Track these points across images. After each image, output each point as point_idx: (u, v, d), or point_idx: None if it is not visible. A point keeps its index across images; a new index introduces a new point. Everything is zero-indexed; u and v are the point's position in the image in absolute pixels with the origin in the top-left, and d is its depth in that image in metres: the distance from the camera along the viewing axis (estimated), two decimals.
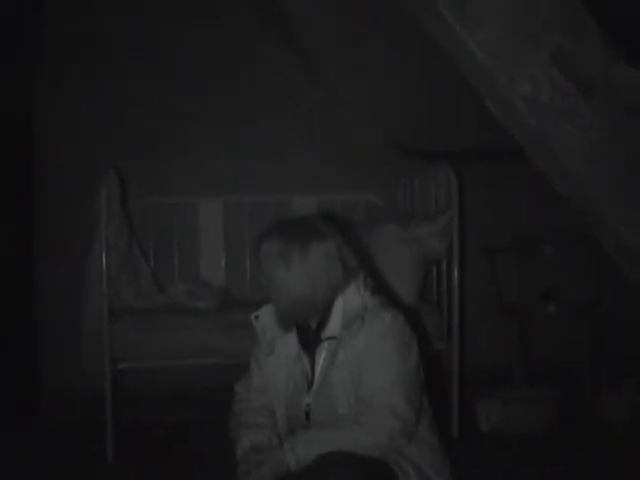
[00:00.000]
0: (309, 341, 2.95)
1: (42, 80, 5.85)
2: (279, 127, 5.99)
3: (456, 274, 4.96)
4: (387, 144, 5.95)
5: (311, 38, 5.42)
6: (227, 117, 5.93)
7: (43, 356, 5.88)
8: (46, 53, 5.83)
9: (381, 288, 3.05)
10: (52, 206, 5.82)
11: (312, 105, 5.99)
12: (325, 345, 2.89)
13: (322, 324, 2.91)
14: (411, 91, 5.28)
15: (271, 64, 5.95)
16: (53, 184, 5.81)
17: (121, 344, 4.77)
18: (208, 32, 5.88)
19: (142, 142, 5.80)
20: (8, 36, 6.80)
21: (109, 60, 5.81)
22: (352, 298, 2.89)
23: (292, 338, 2.99)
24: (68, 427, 5.24)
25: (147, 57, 5.84)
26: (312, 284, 2.85)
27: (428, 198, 5.34)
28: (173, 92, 5.84)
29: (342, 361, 2.82)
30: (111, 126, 5.80)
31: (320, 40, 5.35)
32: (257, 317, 3.06)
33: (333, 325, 2.89)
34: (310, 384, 2.91)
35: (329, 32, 5.19)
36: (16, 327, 7.20)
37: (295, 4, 5.10)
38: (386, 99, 5.57)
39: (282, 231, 2.92)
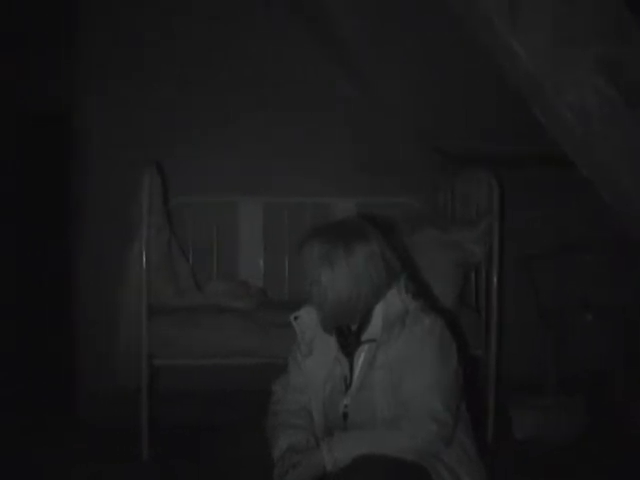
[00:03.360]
0: (348, 343, 2.95)
1: (82, 80, 5.88)
2: (317, 129, 5.98)
3: (495, 280, 4.95)
4: (427, 147, 5.93)
5: (348, 38, 5.42)
6: (266, 117, 5.93)
7: (79, 356, 5.90)
8: (86, 53, 5.85)
9: (421, 292, 3.05)
10: (91, 205, 5.85)
11: (350, 107, 5.99)
12: (365, 347, 2.89)
13: (362, 327, 2.91)
14: (450, 94, 5.26)
15: (308, 65, 5.94)
16: (92, 183, 5.84)
17: (158, 342, 4.79)
18: (243, 33, 5.89)
19: (182, 141, 5.81)
20: (47, 36, 6.87)
21: (147, 60, 5.84)
22: (393, 301, 2.89)
23: (331, 340, 2.99)
24: (103, 426, 5.27)
25: (184, 57, 5.87)
26: (356, 285, 2.85)
27: (468, 203, 5.33)
28: (213, 91, 5.86)
29: (381, 364, 2.82)
30: (151, 125, 5.82)
31: (357, 40, 5.35)
32: (297, 318, 3.06)
33: (373, 328, 2.88)
34: (348, 386, 2.91)
35: (366, 32, 5.19)
36: (52, 327, 7.27)
37: (330, 3, 5.11)
38: (425, 101, 5.55)
39: (327, 232, 2.92)
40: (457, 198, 5.53)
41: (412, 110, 5.70)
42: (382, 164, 5.96)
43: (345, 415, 2.89)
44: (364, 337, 2.90)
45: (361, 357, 2.89)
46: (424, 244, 5.11)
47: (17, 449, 4.94)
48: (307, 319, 3.04)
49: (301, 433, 2.95)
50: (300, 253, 2.94)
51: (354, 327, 2.94)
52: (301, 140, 5.94)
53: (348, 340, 2.95)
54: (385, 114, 5.96)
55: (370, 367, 2.84)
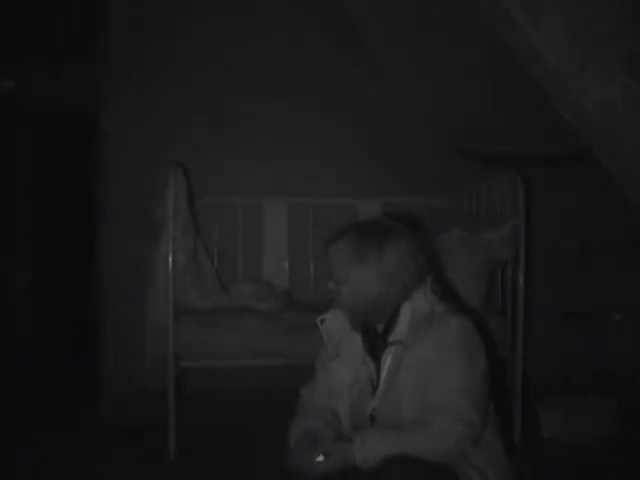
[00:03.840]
0: (375, 345, 2.94)
1: (109, 80, 5.91)
2: (342, 129, 6.00)
3: (521, 280, 4.93)
4: (452, 148, 5.92)
5: (373, 39, 5.41)
6: (291, 119, 5.94)
7: (105, 356, 5.93)
8: (113, 53, 5.88)
9: (448, 293, 3.04)
10: (116, 206, 5.87)
11: (375, 108, 5.99)
12: (391, 349, 2.88)
13: (389, 328, 2.91)
14: (475, 94, 5.25)
15: (334, 66, 5.96)
16: (118, 184, 5.86)
17: (184, 343, 4.80)
18: (270, 33, 5.92)
19: (207, 143, 5.83)
20: (75, 36, 6.89)
21: (174, 59, 5.86)
22: (420, 302, 2.88)
23: (357, 342, 2.98)
24: (129, 426, 5.29)
25: (211, 56, 5.89)
26: (386, 284, 2.85)
27: (494, 203, 5.31)
28: (238, 92, 5.87)
29: (408, 365, 2.81)
30: (177, 127, 5.84)
31: (382, 41, 5.35)
32: (323, 321, 3.06)
33: (400, 329, 2.88)
34: (375, 388, 2.90)
35: (392, 33, 5.18)
36: (79, 327, 7.30)
37: (358, 4, 5.10)
38: (449, 101, 5.55)
39: (357, 230, 2.93)
40: (483, 198, 5.50)
41: (437, 111, 5.70)
42: (408, 164, 5.97)
43: (372, 417, 2.88)
44: (391, 338, 2.89)
45: (388, 359, 2.88)
46: (449, 245, 5.09)
47: (43, 449, 4.96)
48: (333, 322, 3.04)
49: (324, 424, 2.96)
50: (328, 251, 2.95)
51: (380, 328, 2.94)
52: (326, 141, 5.96)
53: (375, 342, 2.94)
54: (411, 115, 5.96)
55: (397, 369, 2.83)
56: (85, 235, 6.86)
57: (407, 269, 2.88)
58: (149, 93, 5.82)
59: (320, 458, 2.72)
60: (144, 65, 5.85)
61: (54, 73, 8.35)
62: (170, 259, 4.78)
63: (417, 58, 5.25)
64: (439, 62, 5.10)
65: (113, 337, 5.84)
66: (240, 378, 5.39)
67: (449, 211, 5.88)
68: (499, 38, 3.58)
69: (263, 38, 5.92)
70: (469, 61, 4.84)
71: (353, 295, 2.88)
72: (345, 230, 2.96)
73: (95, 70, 6.06)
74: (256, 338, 4.79)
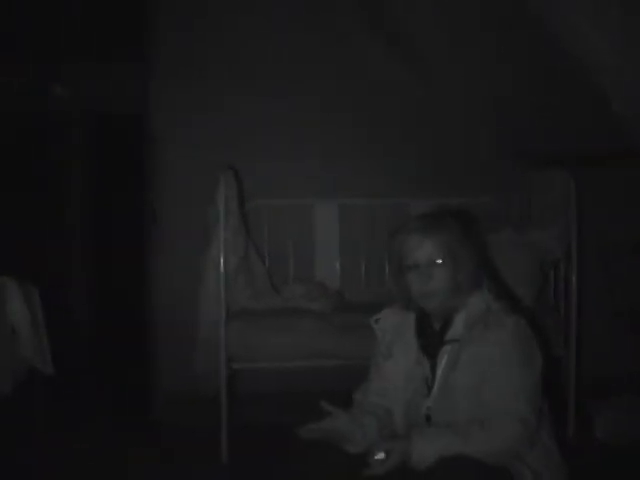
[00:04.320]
0: (430, 344, 2.94)
1: (158, 82, 5.95)
2: (392, 129, 5.99)
3: (574, 280, 4.91)
4: (502, 147, 5.90)
5: (421, 38, 5.41)
6: (340, 119, 5.94)
7: (158, 358, 5.96)
8: (164, 55, 5.92)
9: (502, 292, 3.04)
10: (168, 208, 5.91)
11: (425, 107, 5.98)
12: (447, 348, 2.87)
13: (445, 327, 2.91)
14: (525, 92, 5.22)
15: (382, 65, 5.95)
16: (169, 186, 5.90)
17: (236, 345, 4.82)
18: (315, 34, 5.92)
19: (258, 144, 5.85)
20: (124, 39, 6.94)
21: (224, 62, 5.89)
22: (476, 301, 2.89)
23: (412, 341, 2.98)
24: (182, 428, 5.31)
25: (262, 58, 5.91)
26: (459, 275, 2.89)
27: (545, 202, 5.28)
28: (288, 94, 5.88)
29: (464, 365, 2.80)
30: (227, 128, 5.86)
31: (431, 40, 5.34)
32: (377, 320, 3.07)
33: (456, 328, 2.88)
34: (430, 388, 2.89)
35: (440, 31, 5.17)
36: (131, 331, 7.35)
37: (406, 4, 5.10)
38: (499, 101, 5.53)
39: (436, 221, 2.96)
40: (533, 198, 5.48)
41: (488, 110, 5.68)
42: (457, 164, 5.94)
43: (428, 417, 2.88)
44: (447, 337, 2.89)
45: (444, 358, 2.87)
46: (501, 244, 5.07)
47: (96, 451, 5.00)
48: (387, 321, 3.05)
49: (378, 423, 2.95)
50: (408, 239, 2.94)
51: (437, 327, 2.94)
52: (376, 141, 5.95)
53: (430, 341, 2.94)
54: (461, 114, 5.94)
55: (453, 368, 2.83)
56: (136, 238, 6.90)
57: (475, 264, 2.93)
58: (199, 95, 5.85)
59: (381, 456, 2.71)
60: (194, 66, 5.87)
61: (104, 76, 8.43)
62: (221, 261, 4.81)
63: (469, 57, 5.24)
64: (491, 61, 5.08)
65: (165, 339, 5.86)
66: (292, 379, 5.39)
67: (500, 211, 5.84)
68: (555, 37, 3.56)
69: (308, 37, 5.93)
70: (522, 60, 4.82)
71: (448, 278, 2.89)
72: (426, 220, 3.00)
73: (145, 72, 6.11)
74: (308, 339, 4.80)
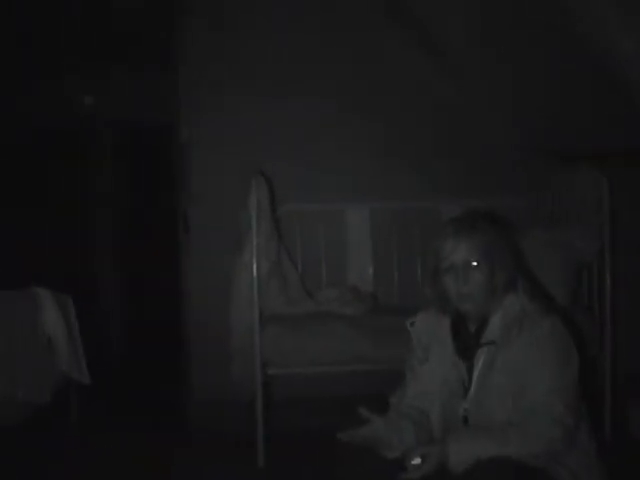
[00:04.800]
0: (466, 347, 2.94)
1: (188, 90, 5.97)
2: (421, 132, 5.99)
3: (608, 279, 4.89)
4: (532, 147, 5.88)
5: (448, 38, 5.41)
6: (369, 123, 5.94)
7: (193, 364, 5.98)
8: (191, 66, 5.94)
9: (537, 293, 3.04)
10: (199, 215, 5.93)
11: (453, 107, 5.97)
12: (484, 350, 2.87)
13: (481, 329, 2.91)
14: (555, 92, 5.21)
15: (409, 67, 5.95)
16: (200, 193, 5.92)
17: (270, 350, 4.83)
18: (341, 38, 5.93)
19: (289, 150, 5.85)
20: (153, 50, 6.98)
21: (251, 70, 5.90)
22: (511, 303, 2.88)
23: (448, 344, 2.98)
24: (218, 434, 5.32)
25: (290, 67, 5.92)
26: (495, 277, 2.89)
27: (577, 202, 5.25)
28: (318, 101, 5.89)
29: (501, 366, 2.80)
30: (256, 133, 5.87)
31: (462, 41, 5.34)
32: (413, 324, 3.08)
33: (492, 330, 2.87)
34: (467, 390, 2.89)
35: (468, 31, 5.17)
36: (164, 337, 7.38)
37: (429, 3, 5.10)
38: (529, 99, 5.52)
39: (475, 222, 2.96)
40: (565, 197, 5.45)
41: (517, 109, 5.67)
42: (488, 165, 5.92)
43: (465, 419, 2.87)
44: (483, 339, 2.89)
45: (480, 360, 2.87)
46: (532, 245, 5.05)
47: (132, 458, 5.03)
48: (423, 325, 3.05)
49: (414, 426, 2.94)
50: (443, 242, 2.94)
51: (472, 329, 2.94)
52: (406, 144, 5.95)
53: (466, 343, 2.94)
54: (490, 114, 5.93)
55: (489, 370, 2.82)
56: (169, 245, 6.93)
57: (511, 265, 2.93)
58: (229, 101, 5.86)
59: (417, 461, 2.71)
60: (223, 73, 5.88)
61: (133, 85, 8.47)
62: (254, 266, 4.82)
63: (496, 57, 5.23)
64: (518, 60, 5.07)
65: (200, 345, 5.88)
66: (327, 384, 5.39)
67: (531, 211, 5.83)
68: (585, 36, 3.55)
69: (338, 43, 5.93)
70: (550, 59, 4.81)
71: (484, 280, 2.89)
72: (465, 222, 3.00)
73: (174, 80, 6.13)
74: (342, 343, 4.80)
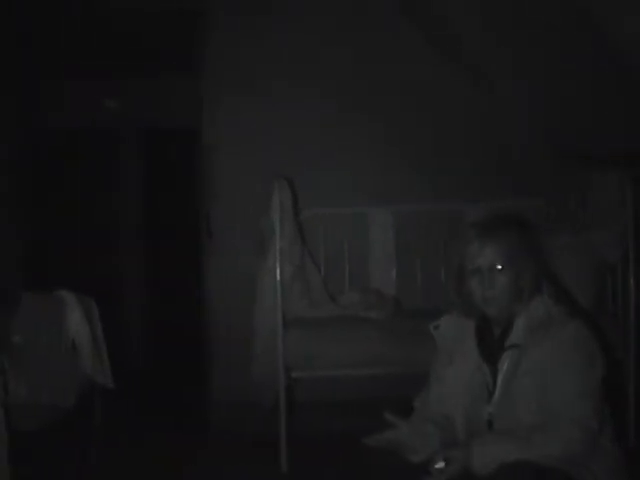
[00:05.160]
0: (490, 350, 2.93)
1: (210, 95, 5.99)
2: (443, 134, 5.99)
3: (632, 282, 4.86)
4: (556, 148, 5.86)
5: (476, 42, 5.40)
6: (391, 126, 5.95)
7: (215, 367, 6.00)
8: (215, 70, 5.97)
9: (562, 297, 3.02)
10: (222, 219, 5.95)
11: (475, 109, 5.96)
12: (508, 353, 2.85)
13: (505, 332, 2.89)
14: (578, 94, 5.19)
15: (433, 72, 5.95)
16: (223, 197, 5.94)
17: (294, 354, 4.83)
18: (361, 41, 5.94)
19: (310, 153, 5.87)
20: (177, 54, 7.00)
21: (273, 75, 5.92)
22: (536, 306, 2.87)
23: (472, 348, 2.96)
24: (240, 437, 5.33)
25: (313, 70, 5.93)
26: (520, 280, 2.88)
27: (600, 204, 5.24)
28: (340, 104, 5.90)
29: (525, 370, 2.78)
30: (279, 137, 5.89)
31: (484, 42, 5.33)
32: (437, 327, 3.07)
33: (516, 334, 2.86)
34: (491, 394, 2.88)
35: (489, 32, 5.16)
36: (188, 341, 7.40)
37: (454, 5, 5.09)
38: (552, 101, 5.50)
39: (498, 228, 2.95)
40: (589, 200, 5.43)
41: (540, 111, 5.65)
42: (511, 167, 5.91)
43: (489, 423, 2.86)
44: (508, 343, 2.87)
45: (505, 364, 2.85)
46: (556, 248, 5.04)
47: (155, 461, 5.04)
48: (447, 328, 3.04)
49: (438, 430, 2.94)
50: (468, 246, 2.94)
51: (497, 333, 2.93)
52: (428, 147, 5.94)
53: (491, 347, 2.93)
54: (513, 115, 5.92)
55: (514, 374, 2.81)
56: (191, 248, 6.95)
57: (538, 269, 2.93)
58: (251, 106, 5.88)
59: (441, 464, 2.70)
60: (245, 78, 5.91)
61: (156, 90, 8.50)
62: (277, 270, 4.82)
63: (519, 58, 5.22)
64: (544, 61, 5.06)
65: (223, 348, 5.90)
66: (350, 387, 5.40)
67: (554, 213, 5.80)
68: (610, 36, 3.54)
69: (360, 43, 5.95)
70: (574, 60, 4.79)
71: (509, 283, 2.88)
72: (492, 223, 2.99)
73: (196, 86, 6.15)
74: (366, 347, 4.80)
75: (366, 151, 5.94)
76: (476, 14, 5.02)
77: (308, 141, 5.90)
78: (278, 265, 4.81)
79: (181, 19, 6.48)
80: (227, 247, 5.88)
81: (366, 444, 2.86)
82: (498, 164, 5.94)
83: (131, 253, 9.21)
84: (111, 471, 4.84)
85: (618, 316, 5.03)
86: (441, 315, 3.11)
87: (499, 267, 2.87)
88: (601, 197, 5.20)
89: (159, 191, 9.18)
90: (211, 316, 6.07)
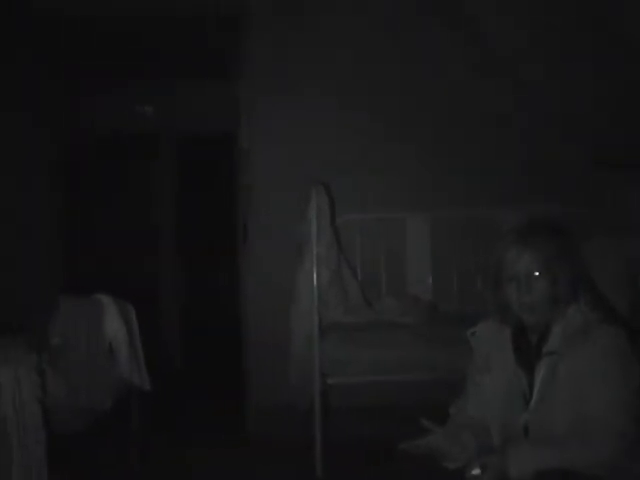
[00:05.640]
0: (527, 357, 2.91)
1: (248, 100, 6.02)
2: (481, 142, 5.97)
3: None
4: (596, 154, 5.83)
5: (514, 50, 5.39)
6: (429, 133, 5.95)
7: (251, 373, 6.01)
8: (250, 75, 5.99)
9: (600, 303, 3.01)
10: (259, 224, 5.96)
11: (515, 118, 5.94)
12: (546, 360, 2.84)
13: (542, 339, 2.88)
14: (618, 102, 5.16)
15: (470, 79, 5.94)
16: (260, 203, 5.95)
17: (330, 359, 4.83)
18: (401, 47, 5.94)
19: (348, 158, 5.87)
20: (214, 57, 7.03)
21: (310, 79, 5.93)
22: (574, 313, 2.86)
23: (509, 355, 2.95)
24: (276, 443, 5.34)
25: (351, 73, 5.93)
26: (557, 287, 2.87)
27: (636, 210, 5.21)
28: (378, 108, 5.90)
29: (562, 377, 2.76)
30: (317, 144, 5.90)
31: (525, 49, 5.32)
32: (474, 333, 3.07)
33: (554, 340, 2.84)
34: (528, 401, 2.87)
35: (523, 32, 5.15)
36: (223, 343, 7.42)
37: (487, 6, 5.09)
38: (592, 110, 5.48)
39: (535, 235, 2.94)
40: (627, 206, 5.41)
41: (580, 119, 5.62)
42: (549, 174, 5.88)
43: (526, 430, 2.85)
44: (545, 349, 2.86)
45: (542, 371, 2.84)
46: (593, 255, 5.00)
47: (191, 466, 5.07)
48: (484, 334, 3.04)
49: (474, 437, 2.94)
50: (506, 252, 2.94)
51: (533, 340, 2.92)
52: (465, 153, 5.93)
53: (528, 354, 2.92)
54: (550, 121, 5.89)
55: (551, 381, 2.79)
56: (229, 252, 6.98)
57: (575, 275, 2.92)
58: (289, 111, 5.89)
59: (477, 472, 2.70)
60: (283, 83, 5.92)
61: (194, 94, 8.55)
62: (314, 275, 4.82)
63: (563, 67, 5.20)
64: (588, 70, 5.04)
65: (258, 353, 5.91)
66: (385, 392, 5.38)
67: (592, 220, 5.77)
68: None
69: (398, 52, 5.95)
70: (614, 67, 4.77)
71: (547, 290, 2.87)
72: (528, 228, 2.99)
73: (233, 90, 6.18)
74: (402, 352, 4.79)
75: (403, 157, 5.92)
76: (509, 14, 5.01)
77: (345, 146, 5.89)
78: (315, 270, 4.81)
79: (217, 24, 6.51)
80: (264, 251, 5.89)
81: (402, 449, 2.86)
82: (537, 171, 5.91)
83: (168, 256, 9.26)
84: (148, 474, 4.87)
85: None
86: (477, 321, 3.11)
87: (536, 274, 2.86)
88: (637, 202, 5.17)
89: (195, 195, 9.22)
90: (248, 319, 6.08)
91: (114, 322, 4.89)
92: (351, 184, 5.74)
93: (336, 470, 4.80)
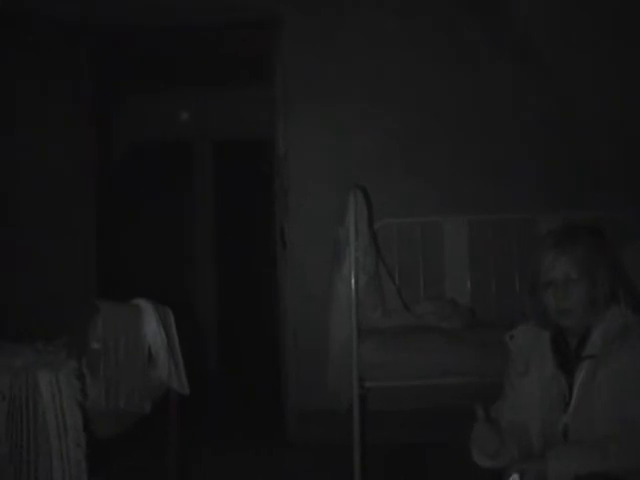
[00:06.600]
0: (566, 360, 2.91)
1: (284, 105, 6.03)
2: (519, 145, 5.95)
3: None
4: (628, 157, 5.80)
5: (556, 54, 5.37)
6: (467, 136, 5.95)
7: (289, 377, 6.02)
8: (286, 80, 6.01)
9: (639, 305, 2.99)
10: (296, 229, 5.98)
11: (550, 119, 5.92)
12: (585, 364, 2.83)
13: (582, 343, 2.87)
14: None
15: (511, 82, 5.92)
16: (298, 208, 5.97)
17: (368, 363, 4.83)
18: (445, 53, 5.94)
19: (385, 162, 5.87)
20: (250, 64, 7.06)
21: (350, 81, 5.95)
22: (613, 316, 2.85)
23: (548, 358, 2.95)
24: (314, 446, 5.36)
25: (387, 77, 5.95)
26: (595, 291, 2.87)
27: None
28: (413, 111, 5.90)
29: (602, 381, 2.75)
30: (354, 147, 5.91)
31: (565, 54, 5.30)
32: (512, 337, 3.06)
33: (593, 344, 2.83)
34: (567, 404, 2.86)
35: (578, 48, 5.13)
36: (261, 347, 7.45)
37: (532, 13, 5.07)
38: (629, 111, 5.44)
39: (572, 239, 2.94)
40: None
41: (617, 122, 5.59)
42: (585, 177, 5.86)
43: (565, 433, 2.84)
44: (584, 353, 2.85)
45: (581, 374, 2.83)
46: (634, 257, 4.97)
47: (230, 470, 5.08)
48: (522, 338, 3.03)
49: (514, 441, 2.93)
50: (543, 256, 2.94)
51: (573, 343, 2.91)
52: (503, 156, 5.91)
53: (567, 357, 2.91)
54: (589, 126, 5.86)
55: (590, 384, 2.78)
56: (267, 258, 7.00)
57: (613, 280, 2.91)
58: (325, 116, 5.91)
59: (516, 477, 2.69)
60: (320, 88, 5.94)
61: (229, 102, 8.58)
62: (352, 280, 4.82)
63: (602, 71, 5.18)
64: (626, 73, 5.01)
65: (296, 357, 5.92)
66: (425, 397, 5.37)
67: (632, 224, 5.73)
68: None
69: (439, 59, 5.95)
70: None
71: (585, 294, 2.87)
72: (566, 232, 2.99)
73: (270, 97, 6.19)
74: (440, 357, 4.77)
75: (441, 160, 5.92)
76: (555, 20, 4.99)
77: (383, 150, 5.90)
78: (353, 275, 4.81)
79: (253, 30, 6.54)
80: (302, 256, 5.91)
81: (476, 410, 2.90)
82: (575, 175, 5.88)
83: (206, 262, 9.30)
84: (187, 478, 4.89)
85: None
86: (516, 325, 3.10)
87: (574, 277, 2.86)
88: None
89: (233, 200, 9.25)
90: (286, 323, 6.10)
91: (153, 326, 4.91)
92: (389, 188, 5.75)
93: (375, 475, 4.83)
